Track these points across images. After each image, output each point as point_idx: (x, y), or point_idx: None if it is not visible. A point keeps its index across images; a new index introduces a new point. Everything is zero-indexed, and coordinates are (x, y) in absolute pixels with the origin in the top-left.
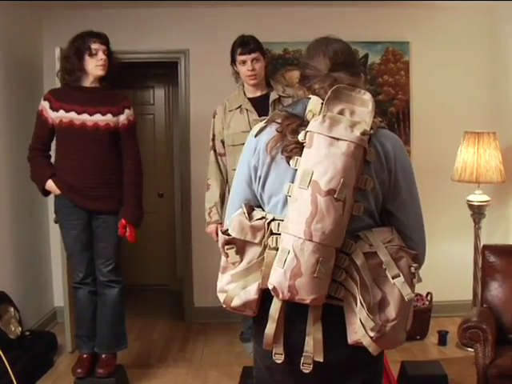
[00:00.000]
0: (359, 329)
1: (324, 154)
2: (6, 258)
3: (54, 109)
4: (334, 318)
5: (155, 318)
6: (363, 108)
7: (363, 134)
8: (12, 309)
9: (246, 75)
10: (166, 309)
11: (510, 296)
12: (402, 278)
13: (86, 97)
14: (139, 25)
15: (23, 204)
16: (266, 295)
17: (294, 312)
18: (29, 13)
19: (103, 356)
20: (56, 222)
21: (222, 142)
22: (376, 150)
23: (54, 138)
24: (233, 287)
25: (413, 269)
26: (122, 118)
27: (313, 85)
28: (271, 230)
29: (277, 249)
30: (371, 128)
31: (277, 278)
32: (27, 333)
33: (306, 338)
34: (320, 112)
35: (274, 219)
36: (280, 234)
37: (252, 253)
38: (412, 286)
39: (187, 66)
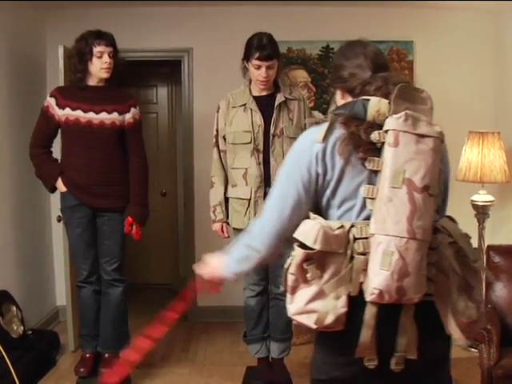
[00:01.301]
0: (451, 320)
1: (414, 152)
2: (9, 257)
3: (61, 106)
4: (422, 315)
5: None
6: (423, 106)
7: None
8: (14, 308)
9: (258, 80)
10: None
11: None
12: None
13: (92, 95)
14: (142, 23)
15: (25, 202)
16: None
17: (382, 316)
18: (32, 11)
19: (106, 355)
20: (59, 221)
21: (224, 138)
22: None
23: (59, 135)
24: (323, 304)
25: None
26: (128, 117)
27: (365, 86)
28: (354, 236)
29: (364, 254)
30: None
31: (384, 281)
32: (29, 332)
33: (398, 339)
34: (389, 111)
35: (352, 225)
36: (366, 238)
37: (334, 264)
38: None
39: (190, 65)
